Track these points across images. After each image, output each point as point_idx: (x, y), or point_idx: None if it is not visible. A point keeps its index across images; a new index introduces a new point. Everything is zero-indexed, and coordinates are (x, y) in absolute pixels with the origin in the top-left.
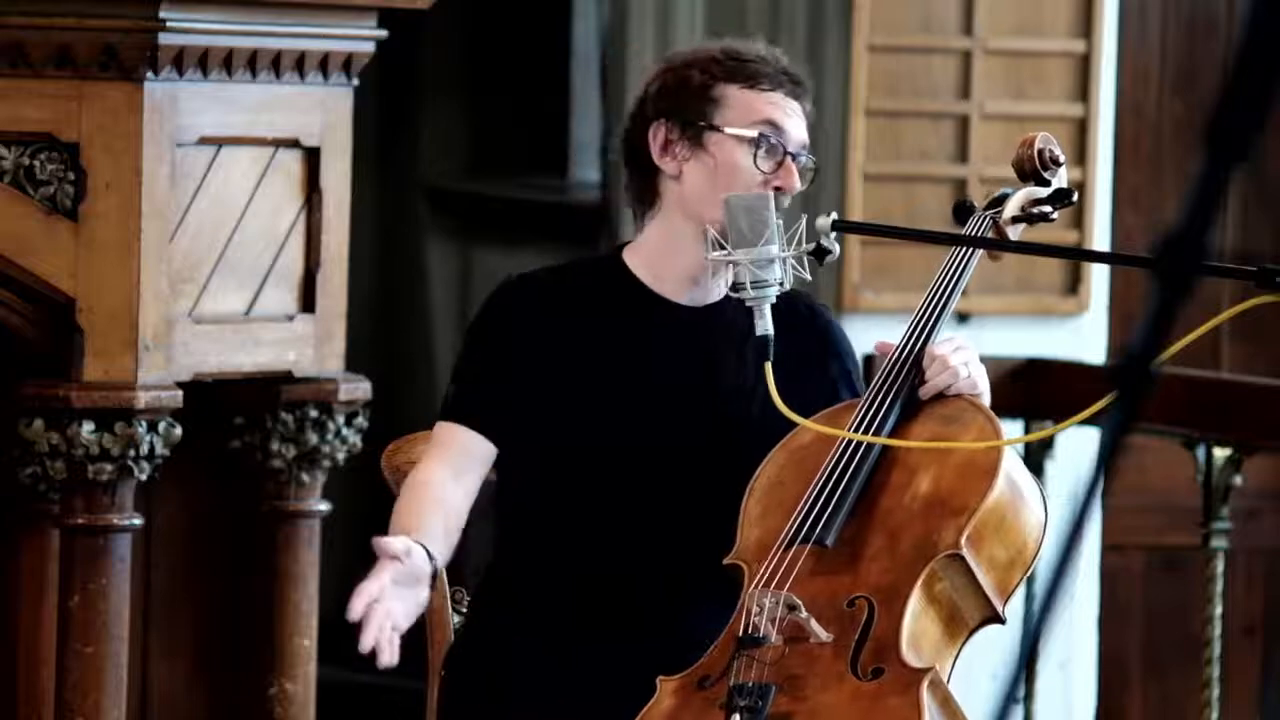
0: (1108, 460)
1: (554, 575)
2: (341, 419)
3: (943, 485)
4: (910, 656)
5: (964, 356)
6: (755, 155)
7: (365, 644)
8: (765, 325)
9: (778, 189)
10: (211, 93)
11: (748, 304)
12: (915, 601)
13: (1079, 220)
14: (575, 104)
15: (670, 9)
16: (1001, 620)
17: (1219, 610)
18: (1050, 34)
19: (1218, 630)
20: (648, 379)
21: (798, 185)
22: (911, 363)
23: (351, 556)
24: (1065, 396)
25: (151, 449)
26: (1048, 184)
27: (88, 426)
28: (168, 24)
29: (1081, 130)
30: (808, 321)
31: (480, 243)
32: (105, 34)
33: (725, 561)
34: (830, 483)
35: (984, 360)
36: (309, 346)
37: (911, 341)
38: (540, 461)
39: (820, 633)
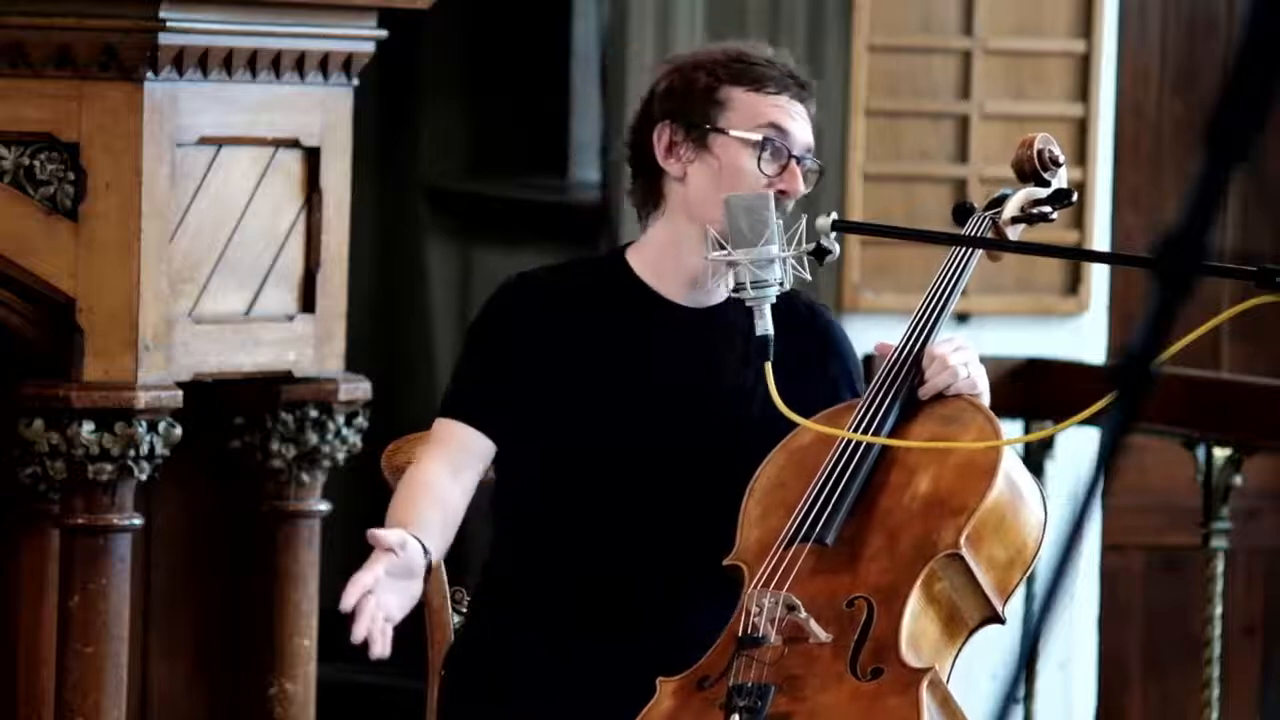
0: (1108, 460)
1: (554, 575)
2: (341, 419)
3: (942, 485)
4: (910, 656)
5: (964, 356)
6: (760, 158)
7: (358, 635)
8: (765, 325)
9: (781, 192)
10: (211, 93)
11: (748, 304)
12: (915, 601)
13: (1079, 220)
14: (575, 104)
15: (670, 9)
16: (1001, 620)
17: (1219, 610)
18: (1050, 34)
19: (1218, 630)
20: (648, 379)
21: (802, 188)
22: (911, 363)
23: (351, 556)
24: (1065, 396)
25: (151, 449)
26: (1047, 184)
27: (88, 426)
28: (168, 24)
29: (1081, 130)
30: (808, 321)
31: (480, 243)
32: (105, 34)
33: (725, 562)
34: (830, 482)
35: (984, 360)
36: (309, 346)
37: (911, 342)
38: (540, 461)
39: (819, 633)
